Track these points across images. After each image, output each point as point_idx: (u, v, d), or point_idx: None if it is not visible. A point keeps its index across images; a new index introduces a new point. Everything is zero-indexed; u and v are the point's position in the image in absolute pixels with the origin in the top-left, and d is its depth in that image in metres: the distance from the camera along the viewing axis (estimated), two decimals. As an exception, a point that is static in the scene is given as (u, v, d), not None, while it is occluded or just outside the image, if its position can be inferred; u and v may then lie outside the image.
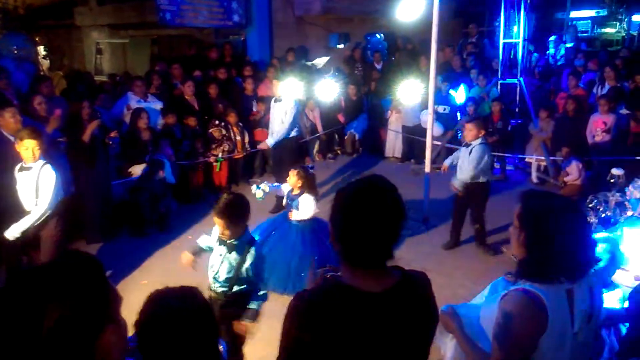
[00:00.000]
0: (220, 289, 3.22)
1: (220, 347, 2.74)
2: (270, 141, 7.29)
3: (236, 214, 3.11)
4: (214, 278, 3.23)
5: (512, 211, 1.95)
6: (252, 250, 3.16)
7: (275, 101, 7.30)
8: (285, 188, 5.27)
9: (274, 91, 7.33)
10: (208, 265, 3.32)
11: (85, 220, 6.23)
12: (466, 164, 5.68)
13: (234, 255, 3.15)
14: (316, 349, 1.47)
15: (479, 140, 5.63)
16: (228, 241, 3.15)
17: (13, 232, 4.36)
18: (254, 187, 5.29)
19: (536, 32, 11.88)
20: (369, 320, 1.49)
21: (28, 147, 4.27)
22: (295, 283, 4.75)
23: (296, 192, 5.12)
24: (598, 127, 7.91)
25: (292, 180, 5.08)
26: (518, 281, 1.87)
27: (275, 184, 5.59)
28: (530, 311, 1.78)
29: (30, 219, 4.39)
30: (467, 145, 5.72)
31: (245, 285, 3.22)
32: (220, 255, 3.20)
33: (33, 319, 0.99)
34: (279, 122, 7.18)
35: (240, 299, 3.21)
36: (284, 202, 5.32)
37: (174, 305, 1.59)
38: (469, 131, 5.67)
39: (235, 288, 3.20)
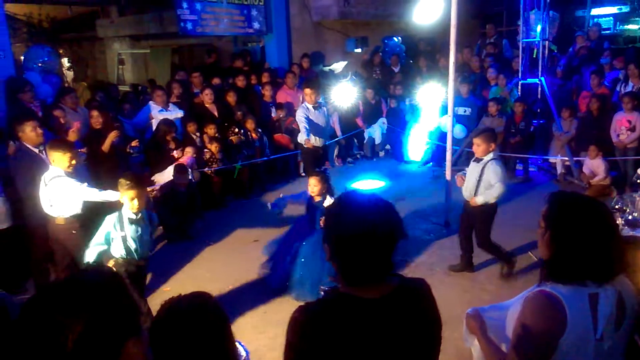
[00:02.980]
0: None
1: (243, 353, 2.77)
2: (317, 142, 7.25)
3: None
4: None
5: (538, 213, 1.93)
6: None
7: (315, 108, 7.25)
8: (306, 195, 5.21)
9: (312, 99, 7.22)
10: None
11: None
12: (473, 182, 5.05)
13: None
14: (318, 359, 1.48)
15: (490, 156, 4.96)
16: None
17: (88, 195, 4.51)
18: (269, 205, 5.41)
19: (560, 31, 11.67)
20: (368, 326, 1.50)
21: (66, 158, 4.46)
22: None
23: (318, 198, 5.03)
24: (622, 126, 7.76)
25: (317, 189, 4.98)
26: (542, 283, 1.85)
27: (286, 196, 5.59)
28: (548, 312, 1.76)
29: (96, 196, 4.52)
30: (478, 160, 5.06)
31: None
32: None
33: (58, 333, 1.01)
34: (324, 126, 7.36)
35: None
36: (303, 210, 5.24)
37: (184, 310, 1.63)
38: (477, 146, 5.02)
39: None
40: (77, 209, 4.60)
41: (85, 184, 4.58)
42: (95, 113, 6.44)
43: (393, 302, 1.54)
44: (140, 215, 4.13)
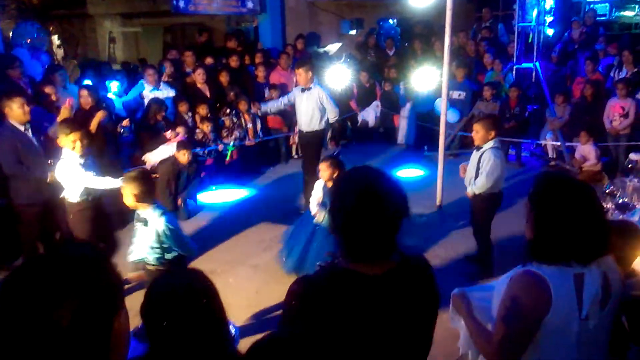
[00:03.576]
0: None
1: (232, 331, 2.77)
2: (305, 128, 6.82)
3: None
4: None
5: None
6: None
7: (302, 91, 6.74)
8: (318, 185, 5.04)
9: (300, 80, 6.73)
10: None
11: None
12: (472, 171, 4.84)
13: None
14: (314, 332, 1.47)
15: (490, 144, 4.71)
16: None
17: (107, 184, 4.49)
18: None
19: (557, 15, 11.61)
20: (368, 302, 1.49)
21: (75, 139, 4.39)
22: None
23: (330, 183, 4.84)
24: (616, 112, 7.78)
25: (326, 174, 4.84)
26: (528, 263, 1.85)
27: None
28: (533, 290, 1.78)
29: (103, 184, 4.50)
30: (478, 148, 4.82)
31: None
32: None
33: (51, 311, 0.98)
34: (309, 111, 6.70)
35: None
36: (320, 199, 4.97)
37: (177, 286, 1.62)
38: (476, 133, 4.76)
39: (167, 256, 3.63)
40: (83, 192, 4.54)
41: (91, 172, 4.51)
42: (84, 92, 6.34)
43: (394, 279, 1.53)
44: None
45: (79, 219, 4.61)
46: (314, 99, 6.66)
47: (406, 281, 1.55)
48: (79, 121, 5.94)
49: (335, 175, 4.80)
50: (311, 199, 5.07)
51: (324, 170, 4.87)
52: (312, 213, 4.94)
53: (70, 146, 4.39)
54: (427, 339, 1.66)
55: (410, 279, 1.57)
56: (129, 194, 3.53)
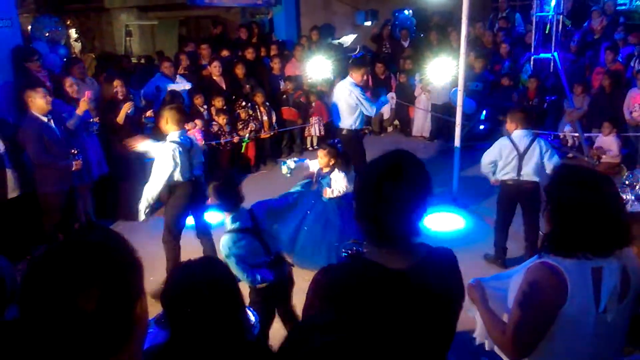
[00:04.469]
0: None
1: (252, 317, 2.80)
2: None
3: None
4: None
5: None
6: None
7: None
8: (313, 165, 5.24)
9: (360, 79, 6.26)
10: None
11: (120, 200, 6.39)
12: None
13: None
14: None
15: (514, 135, 4.84)
16: None
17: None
18: (280, 163, 5.34)
19: (575, 5, 11.40)
20: (392, 297, 1.47)
21: None
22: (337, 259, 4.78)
23: (326, 170, 5.09)
24: (636, 103, 7.63)
25: (323, 161, 5.03)
26: (544, 254, 1.84)
27: (302, 158, 5.58)
28: (549, 282, 1.76)
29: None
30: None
31: None
32: None
33: (75, 298, 0.98)
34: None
35: None
36: (314, 180, 5.25)
37: (197, 274, 1.64)
38: (508, 124, 4.95)
39: None
40: (186, 172, 4.55)
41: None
42: (117, 82, 6.41)
43: (419, 273, 1.50)
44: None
45: (182, 198, 4.62)
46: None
47: (432, 275, 1.53)
48: (106, 111, 6.07)
49: (332, 163, 4.98)
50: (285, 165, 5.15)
51: (322, 157, 5.03)
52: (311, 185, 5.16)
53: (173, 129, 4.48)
54: (450, 332, 1.65)
55: (436, 272, 1.55)
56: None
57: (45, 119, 4.95)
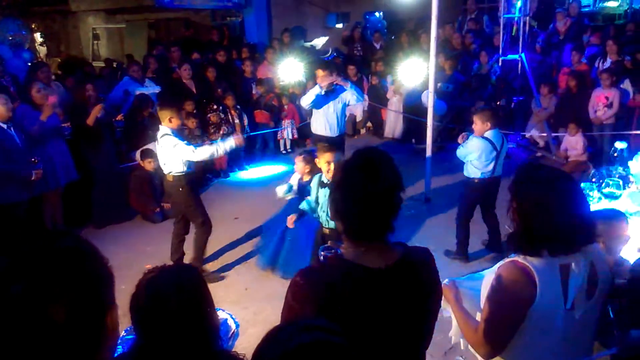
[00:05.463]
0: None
1: (233, 326, 2.76)
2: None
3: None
4: (328, 216, 4.02)
5: None
6: None
7: (326, 93, 6.19)
8: (294, 178, 5.17)
9: (324, 81, 6.12)
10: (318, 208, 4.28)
11: (93, 205, 6.29)
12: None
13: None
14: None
15: (487, 134, 4.92)
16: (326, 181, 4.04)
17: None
18: (276, 192, 5.27)
19: (540, 6, 11.66)
20: (372, 296, 1.49)
21: None
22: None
23: (306, 178, 5.00)
24: (600, 102, 7.84)
25: (300, 167, 5.02)
26: (513, 254, 1.85)
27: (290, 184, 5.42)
28: (518, 281, 1.78)
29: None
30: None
31: None
32: (326, 195, 3.72)
33: (45, 308, 0.95)
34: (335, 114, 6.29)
35: None
36: (294, 189, 5.17)
37: (164, 283, 1.62)
38: (474, 125, 5.01)
39: None
40: (183, 166, 4.67)
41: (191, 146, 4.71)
42: (90, 87, 6.29)
43: (397, 272, 1.53)
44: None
45: (185, 191, 4.78)
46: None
47: (409, 274, 1.55)
48: (74, 115, 5.98)
49: (307, 170, 4.96)
50: (277, 189, 5.23)
51: (300, 163, 5.06)
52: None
53: (170, 124, 4.61)
54: (428, 331, 1.67)
55: (414, 271, 1.57)
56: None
57: (4, 127, 4.78)
